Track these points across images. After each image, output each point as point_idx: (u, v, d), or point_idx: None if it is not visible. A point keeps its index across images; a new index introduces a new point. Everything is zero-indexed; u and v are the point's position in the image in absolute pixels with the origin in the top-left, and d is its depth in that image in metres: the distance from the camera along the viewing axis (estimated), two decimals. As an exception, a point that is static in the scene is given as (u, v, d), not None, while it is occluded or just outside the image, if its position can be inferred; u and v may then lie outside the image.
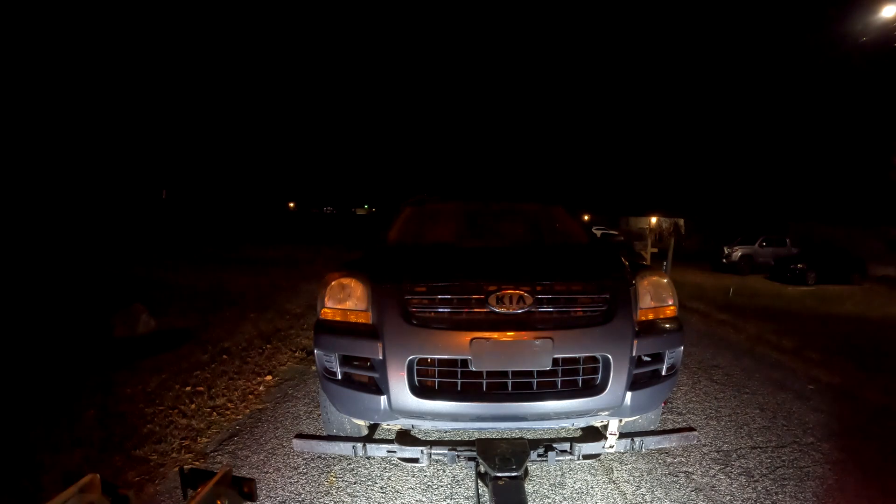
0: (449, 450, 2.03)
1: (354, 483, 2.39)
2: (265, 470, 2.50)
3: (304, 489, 2.33)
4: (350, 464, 2.57)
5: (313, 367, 3.89)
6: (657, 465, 2.61)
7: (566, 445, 2.06)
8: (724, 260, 17.24)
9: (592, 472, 2.53)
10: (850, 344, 5.94)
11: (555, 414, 1.99)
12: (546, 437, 2.34)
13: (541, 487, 2.38)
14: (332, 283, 2.20)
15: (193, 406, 3.22)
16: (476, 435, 2.40)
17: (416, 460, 2.04)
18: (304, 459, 2.61)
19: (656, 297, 2.23)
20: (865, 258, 15.85)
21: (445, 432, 2.68)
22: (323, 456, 2.62)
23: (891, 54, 14.04)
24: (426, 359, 1.99)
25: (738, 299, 9.90)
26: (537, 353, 1.93)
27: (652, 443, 2.18)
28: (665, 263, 10.58)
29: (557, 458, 2.07)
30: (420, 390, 1.96)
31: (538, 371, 1.97)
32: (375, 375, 2.02)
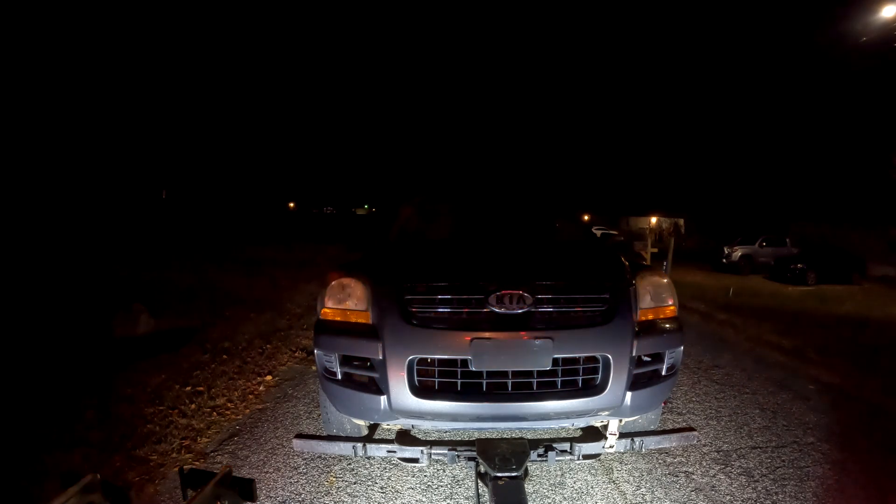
0: (449, 450, 2.03)
1: (354, 483, 2.39)
2: (265, 470, 2.50)
3: (304, 489, 2.33)
4: (350, 464, 2.57)
5: (313, 367, 3.89)
6: (657, 465, 2.61)
7: (566, 445, 2.07)
8: (725, 260, 17.27)
9: (592, 472, 2.53)
10: (850, 344, 5.94)
11: (555, 414, 1.99)
12: (546, 437, 2.34)
13: (541, 487, 2.38)
14: (333, 283, 2.20)
15: (193, 406, 3.22)
16: (476, 435, 2.40)
17: (416, 460, 2.04)
18: (304, 459, 2.61)
19: (656, 297, 2.23)
20: (865, 258, 15.88)
21: (445, 432, 2.67)
22: (323, 456, 2.62)
23: (891, 54, 14.04)
24: (426, 359, 1.99)
25: (739, 299, 9.90)
26: (537, 353, 1.93)
27: (652, 443, 2.18)
28: (665, 263, 10.59)
29: (557, 458, 2.07)
30: (420, 390, 1.96)
31: (538, 371, 1.97)
32: (375, 375, 2.02)
